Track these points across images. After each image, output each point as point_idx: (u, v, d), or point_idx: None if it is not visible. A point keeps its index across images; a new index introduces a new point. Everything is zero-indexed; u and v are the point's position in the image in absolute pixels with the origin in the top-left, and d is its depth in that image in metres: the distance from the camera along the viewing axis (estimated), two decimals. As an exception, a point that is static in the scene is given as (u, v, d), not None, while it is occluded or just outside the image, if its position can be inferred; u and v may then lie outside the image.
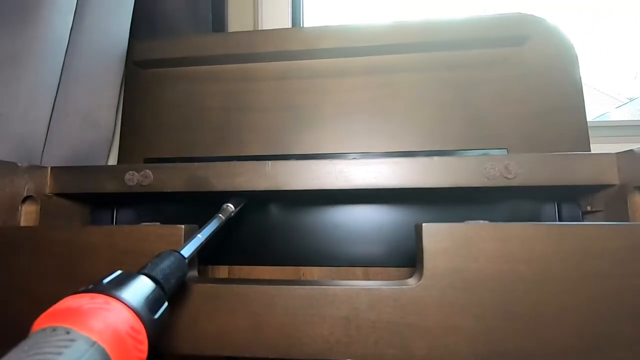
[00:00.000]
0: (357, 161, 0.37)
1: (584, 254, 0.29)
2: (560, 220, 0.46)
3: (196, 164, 0.39)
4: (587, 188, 0.38)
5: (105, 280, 0.21)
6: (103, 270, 0.22)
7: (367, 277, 0.48)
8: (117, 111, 0.57)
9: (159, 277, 0.23)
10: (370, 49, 0.54)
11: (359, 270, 0.48)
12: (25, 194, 0.40)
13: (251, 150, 0.54)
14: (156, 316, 0.21)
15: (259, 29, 0.75)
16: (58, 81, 0.48)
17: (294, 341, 0.30)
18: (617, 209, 0.36)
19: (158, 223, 0.34)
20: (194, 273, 0.34)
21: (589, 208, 0.42)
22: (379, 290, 0.30)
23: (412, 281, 0.31)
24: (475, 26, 0.52)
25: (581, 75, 0.50)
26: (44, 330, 0.17)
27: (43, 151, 0.47)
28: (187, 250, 0.28)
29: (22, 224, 0.40)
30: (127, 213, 0.53)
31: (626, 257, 0.29)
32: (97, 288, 0.20)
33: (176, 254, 0.26)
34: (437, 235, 0.30)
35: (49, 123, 0.48)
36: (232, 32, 0.75)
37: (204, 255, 0.46)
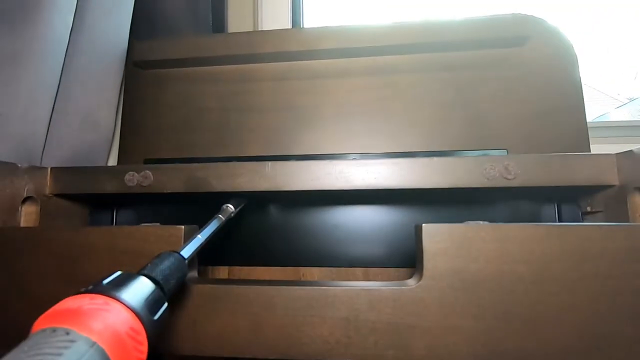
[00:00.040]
0: (357, 162, 0.37)
1: (583, 254, 0.29)
2: (560, 221, 0.46)
3: (196, 164, 0.39)
4: (586, 189, 0.38)
5: (105, 281, 0.21)
6: (103, 271, 0.22)
7: (367, 278, 0.48)
8: (117, 112, 0.57)
9: (158, 277, 0.23)
10: (370, 49, 0.54)
11: (358, 270, 0.48)
12: (25, 195, 0.40)
13: (251, 151, 0.54)
14: (156, 317, 0.21)
15: (259, 29, 0.75)
16: (58, 81, 0.49)
17: (293, 342, 0.30)
18: (617, 209, 0.36)
19: (158, 224, 0.34)
20: (193, 274, 0.34)
21: (588, 209, 0.42)
22: (378, 291, 0.30)
23: (411, 282, 0.31)
24: (475, 27, 0.52)
25: (581, 75, 0.50)
26: (43, 331, 0.17)
27: (43, 151, 0.48)
28: (187, 251, 0.28)
29: (22, 224, 0.40)
30: (126, 214, 0.53)
31: (626, 257, 0.29)
32: (97, 289, 0.20)
33: (176, 254, 0.27)
34: (436, 236, 0.30)
35: (49, 123, 0.48)
36: (232, 32, 0.75)
37: (204, 255, 0.46)
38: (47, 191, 0.42)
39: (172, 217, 0.52)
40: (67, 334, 0.17)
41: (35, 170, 0.41)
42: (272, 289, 0.31)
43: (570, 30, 0.52)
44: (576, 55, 0.50)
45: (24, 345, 0.16)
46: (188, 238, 0.30)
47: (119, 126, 0.58)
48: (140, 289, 0.21)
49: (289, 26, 0.79)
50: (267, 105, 0.55)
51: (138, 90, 0.59)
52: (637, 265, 0.28)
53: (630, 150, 0.34)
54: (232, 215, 0.38)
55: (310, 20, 0.83)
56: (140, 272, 0.23)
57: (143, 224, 0.34)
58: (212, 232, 0.33)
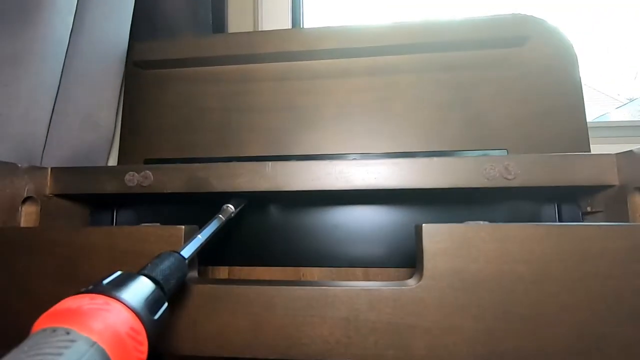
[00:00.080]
0: (357, 162, 0.37)
1: (583, 254, 0.29)
2: (560, 221, 0.46)
3: (196, 164, 0.39)
4: (587, 189, 0.38)
5: (105, 281, 0.21)
6: (103, 271, 0.22)
7: (367, 278, 0.48)
8: (117, 112, 0.57)
9: (158, 277, 0.23)
10: (370, 49, 0.54)
11: (359, 270, 0.48)
12: (25, 195, 0.40)
13: (251, 151, 0.54)
14: (156, 317, 0.21)
15: (259, 29, 0.75)
16: (58, 82, 0.49)
17: (293, 342, 0.30)
18: (617, 209, 0.36)
19: (158, 224, 0.34)
20: (194, 274, 0.34)
21: (589, 209, 0.42)
22: (378, 291, 0.30)
23: (411, 282, 0.31)
24: (475, 27, 0.52)
25: (581, 75, 0.50)
26: (44, 330, 0.17)
27: (43, 152, 0.48)
28: (187, 251, 0.28)
29: (22, 224, 0.40)
30: (127, 214, 0.53)
31: (626, 257, 0.29)
32: (97, 289, 0.20)
33: (176, 254, 0.27)
34: (436, 236, 0.30)
35: (49, 124, 0.48)
36: (232, 32, 0.75)
37: (204, 256, 0.46)
38: (48, 191, 0.42)
39: (172, 217, 0.52)
40: (68, 333, 0.17)
41: (35, 170, 0.41)
42: (272, 289, 0.31)
43: (570, 30, 0.52)
44: (576, 55, 0.50)
45: (24, 345, 0.16)
46: (188, 238, 0.30)
47: (119, 126, 0.58)
48: (140, 288, 0.21)
49: (289, 26, 0.79)
50: (267, 105, 0.55)
51: (138, 91, 0.59)
52: (637, 265, 0.28)
53: (630, 150, 0.34)
54: (233, 215, 0.38)
55: (311, 20, 0.83)
56: (140, 272, 0.23)
57: (143, 224, 0.34)
58: (213, 232, 0.33)
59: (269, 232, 0.50)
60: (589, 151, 0.48)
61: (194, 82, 0.57)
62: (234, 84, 0.56)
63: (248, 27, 0.76)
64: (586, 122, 0.49)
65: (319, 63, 0.55)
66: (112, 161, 0.58)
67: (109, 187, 0.41)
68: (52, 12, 0.45)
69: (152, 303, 0.21)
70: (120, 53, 0.56)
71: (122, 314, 0.19)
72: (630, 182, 0.34)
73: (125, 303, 0.20)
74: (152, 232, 0.33)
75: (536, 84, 0.50)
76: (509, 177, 0.35)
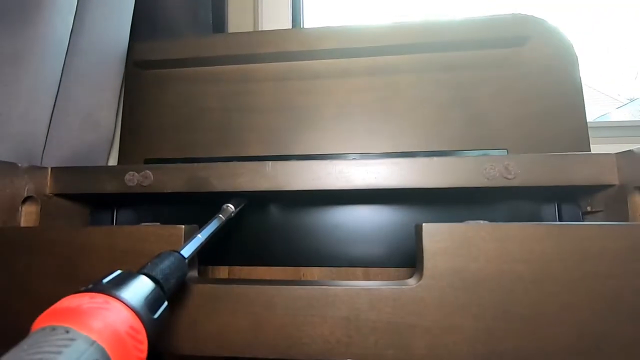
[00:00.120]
0: (357, 162, 0.37)
1: (583, 254, 0.29)
2: (560, 220, 0.46)
3: (196, 164, 0.39)
4: (587, 188, 0.38)
5: (105, 280, 0.21)
6: (103, 271, 0.22)
7: (367, 278, 0.48)
8: (117, 112, 0.57)
9: (158, 277, 0.23)
10: (371, 49, 0.54)
11: (359, 270, 0.48)
12: (25, 195, 0.40)
13: (251, 151, 0.54)
14: (156, 316, 0.21)
15: (259, 29, 0.75)
16: (58, 82, 0.49)
17: (294, 341, 0.30)
18: (617, 209, 0.36)
19: (158, 223, 0.34)
20: (194, 273, 0.34)
21: (589, 208, 0.42)
22: (379, 291, 0.30)
23: (412, 281, 0.31)
24: (475, 27, 0.52)
25: (581, 75, 0.50)
26: (43, 329, 0.17)
27: (43, 152, 0.48)
28: (187, 251, 0.28)
29: (22, 224, 0.40)
30: (127, 214, 0.53)
31: (626, 257, 0.29)
32: (97, 287, 0.20)
33: (176, 254, 0.27)
34: (437, 235, 0.30)
35: (49, 123, 0.48)
36: (233, 32, 0.75)
37: (204, 255, 0.46)
38: (48, 191, 0.42)
39: (172, 217, 0.52)
40: (67, 332, 0.17)
41: (35, 170, 0.41)
42: (273, 289, 0.31)
43: (570, 30, 0.52)
44: (576, 55, 0.50)
45: (24, 344, 0.16)
46: (188, 238, 0.30)
47: (119, 126, 0.58)
48: (140, 287, 0.21)
49: (289, 26, 0.79)
50: (267, 105, 0.55)
51: (138, 91, 0.59)
52: (637, 265, 0.28)
53: (630, 150, 0.34)
54: (233, 215, 0.38)
55: (311, 20, 0.83)
56: (140, 271, 0.23)
57: (143, 224, 0.34)
58: (213, 232, 0.33)
59: (269, 232, 0.50)
60: (589, 151, 0.48)
61: (194, 82, 0.57)
62: (234, 83, 0.56)
63: (248, 27, 0.76)
64: (586, 122, 0.49)
65: (319, 63, 0.55)
66: (112, 161, 0.58)
67: (109, 186, 0.41)
68: (53, 11, 0.45)
69: (152, 302, 0.21)
70: (121, 53, 0.56)
71: (122, 313, 0.19)
72: (630, 182, 0.34)
73: (125, 302, 0.20)
74: (152, 232, 0.33)
75: (536, 83, 0.50)
76: (509, 176, 0.35)
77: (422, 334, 0.29)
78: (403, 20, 0.53)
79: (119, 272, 0.22)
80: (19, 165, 0.39)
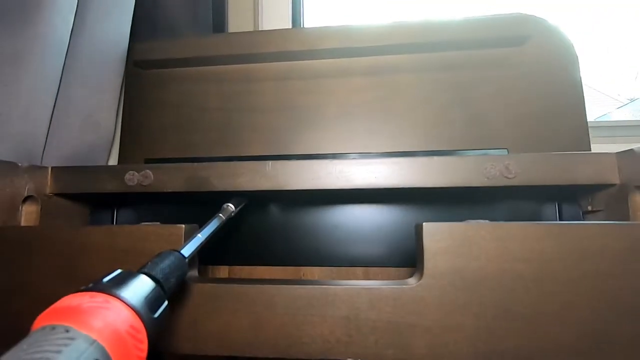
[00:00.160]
0: (358, 161, 0.37)
1: (583, 253, 0.29)
2: (560, 220, 0.46)
3: (196, 164, 0.39)
4: (587, 188, 0.38)
5: (105, 279, 0.21)
6: (103, 270, 0.22)
7: (367, 277, 0.47)
8: (117, 112, 0.57)
9: (158, 276, 0.23)
10: (371, 49, 0.54)
11: (359, 270, 0.48)
12: (25, 194, 0.40)
13: (252, 151, 0.54)
14: (156, 315, 0.21)
15: (259, 29, 0.75)
16: (59, 82, 0.49)
17: (294, 341, 0.30)
18: (618, 208, 0.36)
19: (158, 223, 0.34)
20: (194, 273, 0.34)
21: (589, 208, 0.42)
22: (379, 290, 0.30)
23: (412, 280, 0.31)
24: (475, 26, 0.52)
25: (581, 75, 0.50)
26: (43, 328, 0.17)
27: (43, 152, 0.48)
28: (187, 250, 0.28)
29: (23, 224, 0.40)
30: (127, 214, 0.53)
31: (626, 256, 0.29)
32: (97, 287, 0.20)
33: (176, 253, 0.26)
34: (437, 235, 0.30)
35: (50, 123, 0.48)
36: (233, 32, 0.75)
37: (204, 255, 0.46)
38: (48, 190, 0.42)
39: (172, 217, 0.52)
40: (67, 331, 0.17)
41: (35, 169, 0.41)
42: (273, 288, 0.31)
43: (570, 30, 0.52)
44: (577, 55, 0.50)
45: (24, 343, 0.16)
46: (188, 237, 0.30)
47: (119, 126, 0.58)
48: (140, 287, 0.21)
49: (290, 26, 0.79)
50: (267, 105, 0.55)
51: (139, 91, 0.59)
52: (638, 264, 0.28)
53: (631, 149, 0.34)
54: (233, 214, 0.38)
55: (311, 20, 0.83)
56: (140, 271, 0.23)
57: (143, 223, 0.34)
58: (213, 231, 0.33)
59: (269, 232, 0.50)
60: (590, 150, 0.48)
61: (194, 81, 0.57)
62: (234, 83, 0.56)
63: (248, 27, 0.76)
64: (587, 122, 0.49)
65: (319, 63, 0.55)
66: (112, 161, 0.58)
67: (109, 186, 0.41)
68: (53, 11, 0.45)
69: (152, 301, 0.21)
70: (121, 53, 0.56)
71: (122, 312, 0.19)
72: (630, 181, 0.34)
73: (125, 301, 0.20)
74: (153, 231, 0.33)
75: (537, 83, 0.50)
76: (509, 176, 0.35)
77: (422, 334, 0.29)
78: (403, 20, 0.53)
79: (119, 271, 0.22)
80: (19, 164, 0.39)
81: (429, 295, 0.30)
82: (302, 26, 0.80)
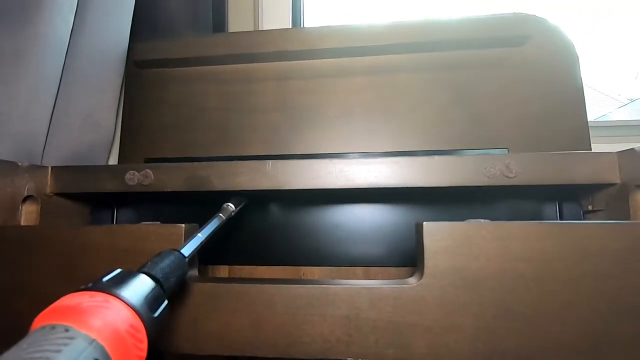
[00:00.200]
0: (358, 160, 0.37)
1: (584, 252, 0.29)
2: (561, 219, 0.45)
3: (196, 163, 0.39)
4: (588, 187, 0.38)
5: (105, 279, 0.21)
6: (103, 270, 0.22)
7: (367, 277, 0.47)
8: (117, 112, 0.57)
9: (158, 275, 0.23)
10: (371, 49, 0.54)
11: (359, 270, 0.48)
12: (25, 194, 0.40)
13: (252, 151, 0.54)
14: (156, 315, 0.21)
15: (259, 29, 0.75)
16: (59, 81, 0.49)
17: (294, 340, 0.30)
18: (619, 208, 0.36)
19: (158, 222, 0.34)
20: (194, 272, 0.34)
21: (590, 207, 0.41)
22: (379, 289, 0.30)
23: (412, 280, 0.31)
24: (476, 26, 0.52)
25: (582, 75, 0.50)
26: (43, 328, 0.17)
27: (43, 151, 0.47)
28: (187, 249, 0.28)
29: (23, 223, 0.40)
30: (127, 213, 0.53)
31: (626, 255, 0.28)
32: (97, 286, 0.20)
33: (176, 252, 0.26)
34: (437, 234, 0.30)
35: (50, 123, 0.48)
36: (233, 32, 0.75)
37: (204, 255, 0.46)
38: (48, 190, 0.42)
39: (172, 216, 0.52)
40: (67, 330, 0.17)
41: (35, 169, 0.41)
42: (273, 288, 0.31)
43: (570, 30, 0.51)
44: (577, 55, 0.50)
45: (23, 343, 0.16)
46: (188, 237, 0.30)
47: (119, 126, 0.58)
48: (140, 286, 0.21)
49: (290, 26, 0.79)
50: (268, 104, 0.55)
51: (139, 90, 0.59)
52: (638, 264, 0.28)
53: (632, 149, 0.34)
54: (233, 214, 0.38)
55: (311, 19, 0.83)
56: (140, 270, 0.23)
57: (143, 223, 0.34)
58: (213, 231, 0.33)
59: (269, 232, 0.50)
60: (590, 150, 0.48)
61: (194, 81, 0.57)
62: (235, 83, 0.56)
63: (248, 27, 0.76)
64: (587, 121, 0.49)
65: (320, 62, 0.55)
66: (113, 161, 0.58)
67: (110, 186, 0.40)
68: (53, 11, 0.45)
69: (152, 301, 0.21)
70: (121, 52, 0.56)
71: (122, 311, 0.19)
72: (631, 180, 0.34)
73: (125, 300, 0.20)
74: (153, 231, 0.33)
75: (537, 83, 0.50)
76: (510, 175, 0.35)
77: (422, 333, 0.29)
78: (403, 20, 0.53)
79: (119, 270, 0.22)
80: (19, 164, 0.39)
81: (429, 294, 0.29)
82: (302, 26, 0.80)
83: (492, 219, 0.32)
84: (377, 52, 0.54)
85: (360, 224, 0.48)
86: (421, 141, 0.51)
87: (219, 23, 0.75)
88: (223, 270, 0.50)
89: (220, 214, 0.36)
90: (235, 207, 0.38)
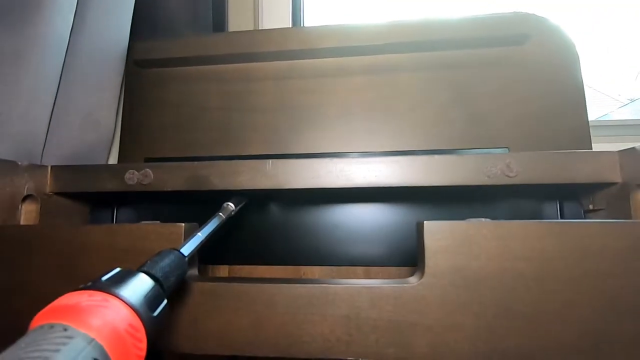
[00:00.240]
0: (358, 160, 0.37)
1: (584, 251, 0.29)
2: (562, 219, 0.45)
3: (196, 162, 0.39)
4: (589, 186, 0.38)
5: (104, 278, 0.21)
6: (103, 269, 0.22)
7: (368, 277, 0.47)
8: (117, 111, 0.57)
9: (158, 275, 0.23)
10: (371, 48, 0.54)
11: (360, 269, 0.48)
12: (25, 193, 0.40)
13: (252, 150, 0.54)
14: (155, 314, 0.21)
15: (260, 28, 0.75)
16: (59, 81, 0.48)
17: (294, 340, 0.30)
18: (620, 207, 0.36)
19: (158, 222, 0.34)
20: (194, 272, 0.34)
21: (591, 207, 0.41)
22: (379, 289, 0.30)
23: (413, 279, 0.30)
24: (476, 25, 0.52)
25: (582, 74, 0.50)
26: (41, 327, 0.17)
27: (43, 151, 0.47)
28: (187, 249, 0.28)
29: (22, 222, 0.40)
30: (127, 213, 0.53)
31: (627, 255, 0.28)
32: (96, 285, 0.20)
33: (176, 252, 0.26)
34: (438, 233, 0.30)
35: (49, 122, 0.48)
36: (233, 31, 0.75)
37: (204, 255, 0.46)
38: (48, 189, 0.42)
39: (172, 216, 0.52)
40: (65, 330, 0.17)
41: (35, 168, 0.41)
42: (273, 287, 0.31)
43: (571, 30, 0.51)
44: (578, 54, 0.50)
45: (22, 342, 0.16)
46: (188, 236, 0.30)
47: (119, 126, 0.58)
48: (139, 285, 0.21)
49: (290, 25, 0.79)
50: (268, 104, 0.55)
51: (139, 90, 0.59)
52: (639, 263, 0.28)
53: (633, 148, 0.34)
54: (233, 213, 0.37)
55: (311, 19, 0.83)
56: (139, 269, 0.23)
57: (143, 222, 0.34)
58: (213, 230, 0.32)
59: (269, 231, 0.50)
60: (591, 149, 0.48)
61: (194, 81, 0.57)
62: (235, 82, 0.56)
63: (248, 26, 0.76)
64: (588, 121, 0.48)
65: (320, 62, 0.55)
66: (112, 160, 0.58)
67: (109, 185, 0.40)
68: (53, 10, 0.45)
69: (151, 300, 0.21)
70: (121, 52, 0.56)
71: (121, 310, 0.19)
72: (632, 180, 0.34)
73: (124, 300, 0.20)
74: (153, 230, 0.33)
75: (538, 82, 0.50)
76: (511, 174, 0.35)
77: (423, 332, 0.29)
78: (404, 19, 0.53)
79: (118, 270, 0.22)
80: (19, 163, 0.39)
81: (430, 294, 0.29)
82: (302, 25, 0.80)
83: (493, 218, 0.32)
84: (377, 52, 0.54)
85: (360, 224, 0.48)
86: (421, 141, 0.51)
87: (219, 22, 0.75)
88: (223, 270, 0.50)
89: (220, 214, 0.36)
90: (236, 206, 0.38)
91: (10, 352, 0.16)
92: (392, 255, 0.47)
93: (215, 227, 0.33)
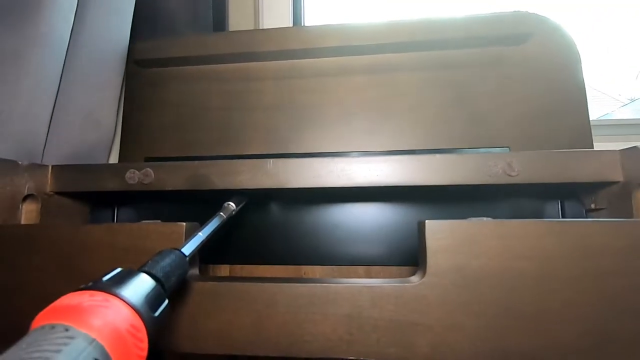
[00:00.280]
0: (359, 159, 0.37)
1: (585, 250, 0.29)
2: (563, 218, 0.45)
3: (197, 162, 0.39)
4: (590, 185, 0.38)
5: (105, 278, 0.21)
6: (104, 269, 0.22)
7: (369, 276, 0.47)
8: (117, 111, 0.57)
9: (159, 274, 0.23)
10: (372, 47, 0.53)
11: (360, 269, 0.48)
12: (25, 193, 0.40)
13: (253, 150, 0.54)
14: (156, 314, 0.21)
15: (260, 28, 0.75)
16: (59, 80, 0.48)
17: (296, 339, 0.30)
18: (621, 206, 0.36)
19: (159, 221, 0.34)
20: (195, 271, 0.34)
21: (592, 206, 0.41)
22: (381, 288, 0.30)
23: (414, 279, 0.30)
24: (477, 24, 0.51)
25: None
26: (42, 327, 0.17)
27: (44, 150, 0.47)
28: (188, 248, 0.28)
29: (23, 222, 0.40)
30: (127, 212, 0.53)
31: (628, 254, 0.28)
32: (97, 285, 0.20)
33: (177, 252, 0.26)
34: (439, 233, 0.30)
35: (50, 122, 0.48)
36: (233, 31, 0.75)
37: (205, 254, 0.45)
38: (48, 189, 0.42)
39: (173, 215, 0.52)
40: (66, 330, 0.17)
41: (36, 168, 0.41)
42: (274, 286, 0.31)
43: (571, 30, 0.51)
44: (579, 53, 0.50)
45: (23, 342, 0.16)
46: (189, 235, 0.30)
47: (119, 125, 0.58)
48: (140, 285, 0.21)
49: (290, 24, 0.79)
50: (268, 103, 0.55)
51: (139, 89, 0.59)
52: (639, 262, 0.28)
53: (635, 147, 0.34)
54: (234, 213, 0.37)
55: (311, 18, 0.83)
56: (140, 269, 0.23)
57: (144, 221, 0.34)
58: (214, 230, 0.32)
59: (270, 231, 0.49)
60: (592, 149, 0.47)
61: (195, 80, 0.57)
62: (235, 82, 0.56)
63: (249, 26, 0.76)
64: (589, 120, 0.48)
65: (320, 61, 0.55)
66: (113, 160, 0.58)
67: (110, 184, 0.40)
68: (53, 10, 0.45)
69: (153, 300, 0.21)
70: (121, 51, 0.56)
71: (122, 310, 0.19)
72: (634, 179, 0.34)
73: (125, 300, 0.20)
74: (153, 229, 0.33)
75: (538, 81, 0.50)
76: (512, 173, 0.35)
77: (424, 332, 0.29)
78: (404, 18, 0.53)
79: (119, 269, 0.22)
80: (20, 163, 0.39)
81: (431, 293, 0.29)
82: (302, 25, 0.80)
83: (494, 217, 0.32)
84: (377, 51, 0.54)
85: (361, 223, 0.48)
86: (422, 140, 0.51)
87: (220, 22, 0.75)
88: (224, 270, 0.50)
89: (221, 213, 0.36)
90: (236, 206, 0.38)
91: (12, 352, 0.16)
92: (393, 254, 0.47)
93: (216, 227, 0.33)
